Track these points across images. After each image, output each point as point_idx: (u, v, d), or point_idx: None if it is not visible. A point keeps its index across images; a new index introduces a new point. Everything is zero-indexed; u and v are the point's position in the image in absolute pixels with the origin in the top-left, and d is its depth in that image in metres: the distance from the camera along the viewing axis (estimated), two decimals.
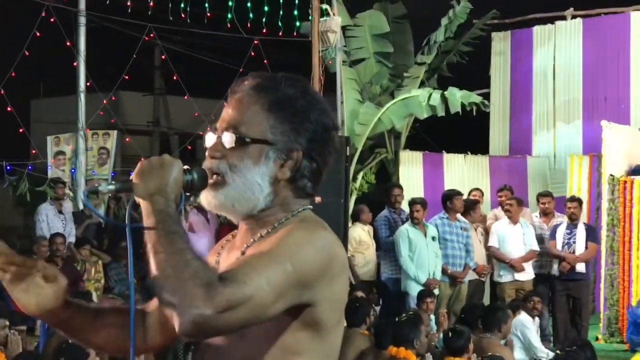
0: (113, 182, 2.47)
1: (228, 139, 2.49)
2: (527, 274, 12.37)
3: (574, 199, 12.83)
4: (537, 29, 17.56)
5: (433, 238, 12.01)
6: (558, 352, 7.13)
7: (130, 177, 2.42)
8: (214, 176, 2.50)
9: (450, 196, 12.47)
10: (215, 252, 2.71)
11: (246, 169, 2.48)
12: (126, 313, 2.63)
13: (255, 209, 2.51)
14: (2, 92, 15.04)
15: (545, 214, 12.96)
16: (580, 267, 12.36)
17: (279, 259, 2.33)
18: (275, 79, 2.56)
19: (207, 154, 2.54)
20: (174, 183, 2.39)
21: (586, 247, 12.35)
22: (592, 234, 12.59)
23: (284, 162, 2.51)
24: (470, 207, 12.73)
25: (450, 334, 7.98)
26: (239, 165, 2.48)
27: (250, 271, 2.29)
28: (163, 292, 2.25)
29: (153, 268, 2.28)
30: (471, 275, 12.48)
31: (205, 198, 2.53)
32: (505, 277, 12.41)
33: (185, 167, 2.45)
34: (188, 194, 2.48)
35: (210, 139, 2.55)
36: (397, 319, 7.88)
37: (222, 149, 2.50)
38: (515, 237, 12.34)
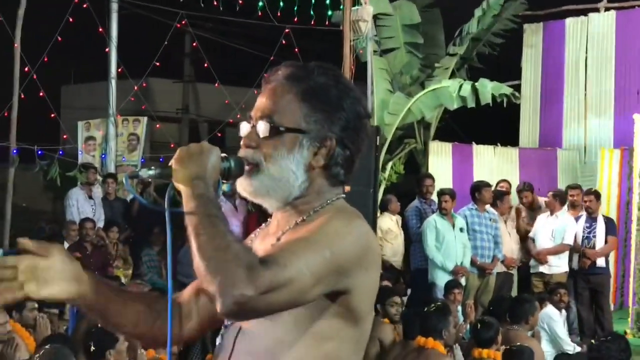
0: (153, 167, 2.51)
1: (262, 128, 2.54)
2: (556, 267, 12.32)
3: (589, 192, 12.77)
4: (569, 21, 17.44)
5: (461, 229, 12.00)
6: (592, 342, 7.12)
7: (170, 163, 2.46)
8: (249, 165, 2.54)
9: (479, 187, 12.45)
10: (247, 240, 2.74)
11: (281, 158, 2.53)
12: (158, 301, 2.70)
13: (290, 196, 2.57)
14: (35, 77, 15.13)
15: (574, 206, 12.90)
16: (601, 262, 12.35)
17: (318, 245, 2.38)
18: (308, 68, 2.60)
19: (242, 143, 2.58)
20: (212, 169, 2.44)
21: (606, 241, 12.30)
22: (612, 227, 12.55)
23: (318, 150, 2.55)
24: (498, 198, 12.71)
25: (479, 325, 7.96)
26: (274, 154, 2.53)
27: (291, 255, 2.34)
28: (205, 274, 2.28)
29: (194, 250, 2.31)
30: (499, 268, 12.46)
31: (241, 185, 2.57)
32: (535, 268, 12.41)
33: (223, 154, 2.50)
34: (225, 181, 2.53)
35: (244, 129, 2.59)
36: (425, 310, 7.88)
37: (257, 138, 2.55)
38: (549, 230, 12.32)
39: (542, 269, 12.32)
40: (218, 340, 2.65)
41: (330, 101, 2.56)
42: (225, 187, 2.54)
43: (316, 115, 2.55)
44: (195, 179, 2.41)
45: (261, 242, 2.65)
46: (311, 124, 2.54)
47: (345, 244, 2.41)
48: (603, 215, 12.76)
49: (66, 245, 12.46)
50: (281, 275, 2.29)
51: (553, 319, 10.50)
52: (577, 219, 12.53)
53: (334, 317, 2.47)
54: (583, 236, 12.34)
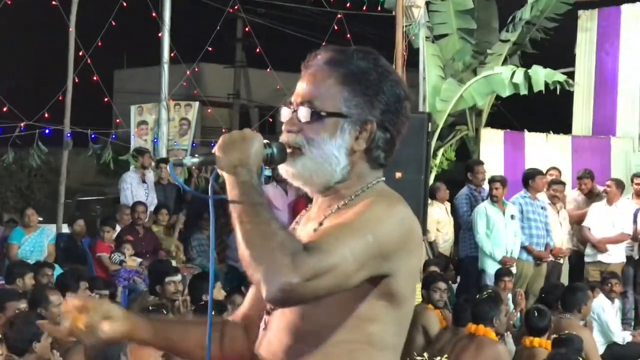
0: (197, 155, 2.55)
1: (304, 113, 2.56)
2: (615, 256, 12.22)
3: None
4: (625, 7, 17.20)
5: (512, 216, 11.92)
6: None
7: (213, 151, 2.49)
8: (291, 148, 2.56)
9: (532, 175, 12.37)
10: (291, 226, 2.77)
11: (323, 142, 2.55)
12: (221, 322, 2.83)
13: (332, 180, 2.59)
14: (89, 61, 15.26)
15: (639, 195, 12.77)
16: None
17: (361, 230, 2.39)
18: (347, 53, 2.61)
19: (283, 128, 2.61)
20: (255, 156, 2.47)
21: None
22: None
23: (359, 133, 2.57)
24: (551, 185, 12.63)
25: (535, 314, 7.92)
26: (316, 138, 2.55)
27: (335, 241, 2.35)
28: (250, 261, 2.31)
29: (239, 238, 2.35)
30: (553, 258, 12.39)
31: (284, 168, 2.60)
32: (591, 257, 12.32)
33: (266, 141, 2.53)
34: (267, 167, 2.56)
35: (285, 114, 2.62)
36: (477, 296, 7.86)
37: (299, 123, 2.57)
38: (608, 219, 12.21)
39: (602, 257, 12.21)
40: (261, 326, 2.67)
41: (370, 85, 2.57)
42: (267, 172, 2.56)
43: (357, 99, 2.56)
44: (238, 166, 2.44)
45: (303, 227, 2.68)
46: (352, 108, 2.55)
47: (388, 228, 2.43)
48: None
49: (118, 228, 12.58)
50: (325, 261, 2.31)
51: (604, 309, 10.40)
52: (638, 209, 12.41)
53: (377, 300, 2.49)
54: None
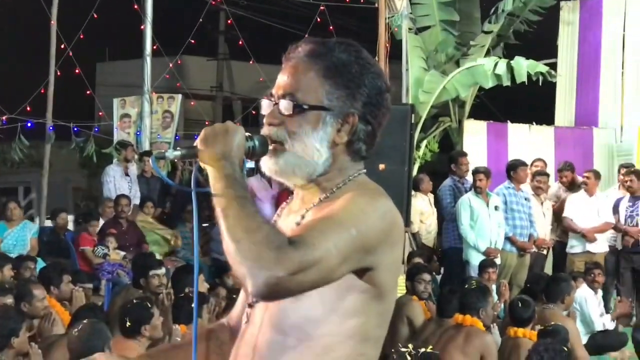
0: (179, 148, 2.54)
1: (286, 106, 2.54)
2: (600, 246, 12.28)
3: (630, 171, 12.67)
4: None
5: (496, 207, 11.94)
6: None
7: (195, 144, 2.48)
8: (273, 144, 2.55)
9: (515, 166, 12.39)
10: (273, 219, 2.76)
11: (305, 135, 2.54)
12: (208, 340, 2.84)
13: (314, 173, 2.58)
14: (71, 54, 15.20)
15: (624, 185, 12.80)
16: None
17: (344, 224, 2.39)
18: (329, 45, 2.60)
19: (264, 121, 2.59)
20: (237, 149, 2.46)
21: None
22: None
23: (341, 126, 2.56)
24: (535, 177, 12.66)
25: (519, 304, 7.94)
26: (298, 131, 2.54)
27: (319, 235, 2.35)
28: (235, 255, 2.30)
29: (223, 231, 2.33)
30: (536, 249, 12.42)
31: (266, 164, 2.59)
32: (576, 248, 12.35)
33: (247, 134, 2.51)
34: (250, 160, 2.55)
35: (266, 106, 2.61)
36: (466, 286, 7.88)
37: (280, 116, 2.56)
38: (591, 209, 12.25)
39: (589, 247, 12.24)
40: (243, 319, 2.67)
41: (352, 77, 2.56)
42: (250, 164, 2.56)
43: (338, 92, 2.55)
44: (221, 159, 2.43)
45: (285, 220, 2.67)
46: (334, 101, 2.55)
47: (371, 221, 2.43)
48: None
49: (102, 221, 12.55)
50: (310, 255, 2.30)
51: (587, 300, 10.42)
52: (619, 199, 12.47)
53: (360, 292, 2.49)
54: (626, 215, 12.28)
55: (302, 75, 2.56)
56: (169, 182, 2.94)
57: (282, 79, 2.60)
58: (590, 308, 10.37)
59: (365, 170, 2.65)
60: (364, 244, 2.41)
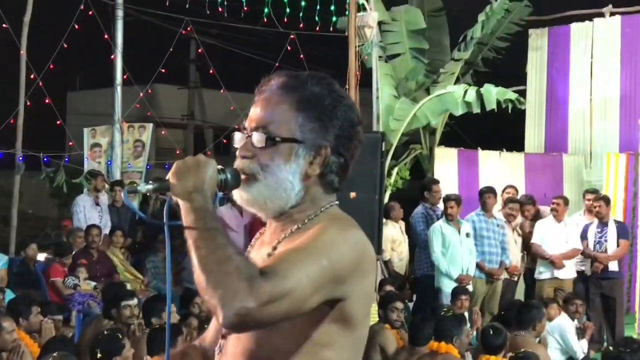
0: (151, 181, 2.54)
1: (258, 139, 2.56)
2: (568, 272, 12.31)
3: (599, 197, 12.74)
4: (575, 26, 17.44)
5: (467, 235, 11.98)
6: (611, 348, 7.06)
7: (167, 177, 2.48)
8: (246, 175, 2.56)
9: (481, 194, 12.48)
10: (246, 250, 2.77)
11: (277, 168, 2.55)
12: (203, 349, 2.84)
13: (286, 205, 2.59)
14: (41, 84, 15.15)
15: (590, 211, 12.88)
16: (613, 266, 12.32)
17: (315, 254, 2.40)
18: (301, 78, 2.62)
19: (237, 153, 2.60)
20: (209, 181, 2.46)
21: (618, 245, 12.29)
22: (623, 231, 12.54)
23: (313, 159, 2.58)
24: (506, 204, 12.70)
25: (490, 332, 7.94)
26: (270, 164, 2.55)
27: (290, 266, 2.35)
28: (206, 287, 2.30)
29: (195, 264, 2.34)
30: (504, 274, 12.44)
31: (238, 195, 2.60)
32: (544, 274, 12.37)
33: (219, 167, 2.52)
34: (222, 192, 2.55)
35: (239, 139, 2.62)
36: (441, 314, 7.88)
37: (253, 149, 2.57)
38: (559, 235, 12.29)
39: (558, 274, 12.27)
40: (216, 350, 2.67)
41: (324, 110, 2.58)
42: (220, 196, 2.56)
43: (311, 124, 2.56)
44: (192, 192, 2.43)
45: (257, 252, 2.68)
46: (306, 134, 2.56)
47: (342, 252, 2.44)
48: (614, 220, 12.73)
49: (73, 251, 12.47)
50: (281, 286, 2.31)
51: (567, 329, 10.39)
52: (587, 225, 12.52)
53: (331, 323, 2.49)
54: (595, 241, 12.33)
55: (274, 108, 2.57)
56: (142, 216, 2.93)
57: (255, 111, 2.61)
58: (571, 338, 10.35)
59: (337, 202, 2.67)
60: (335, 274, 2.41)
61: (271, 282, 2.29)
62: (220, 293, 2.28)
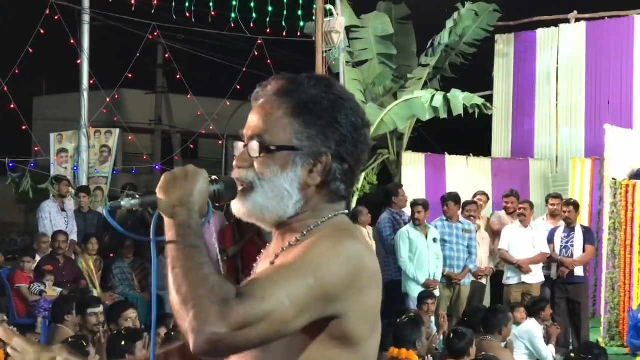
0: (137, 196, 2.43)
1: (254, 148, 2.43)
2: (535, 277, 12.35)
3: (569, 202, 12.81)
4: (540, 32, 17.57)
5: (434, 240, 12.01)
6: (572, 354, 7.08)
7: (155, 191, 2.38)
8: (242, 184, 2.45)
9: (443, 200, 12.55)
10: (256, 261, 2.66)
11: (274, 177, 2.43)
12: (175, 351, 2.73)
13: (285, 216, 2.46)
14: (6, 89, 15.04)
15: (554, 216, 12.95)
16: (579, 271, 12.37)
17: (301, 272, 2.25)
18: (298, 81, 2.49)
19: (234, 164, 2.50)
20: (198, 194, 2.34)
21: (584, 250, 12.36)
22: (589, 236, 12.60)
23: (313, 167, 2.44)
24: (464, 207, 12.77)
25: (452, 335, 7.97)
26: (267, 173, 2.43)
27: (270, 285, 2.21)
28: (178, 309, 2.19)
29: (170, 284, 2.22)
30: (470, 277, 12.49)
31: (235, 206, 2.48)
32: (512, 279, 12.40)
33: (213, 177, 2.42)
34: (217, 204, 2.45)
35: (238, 148, 2.50)
36: (398, 320, 7.88)
37: (249, 158, 2.45)
38: (526, 240, 12.34)
39: (525, 279, 12.30)
40: None
41: (323, 115, 2.44)
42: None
43: (309, 130, 2.43)
44: (177, 206, 2.31)
45: (262, 264, 2.55)
46: (304, 141, 2.43)
47: (332, 268, 2.28)
48: (581, 225, 12.81)
49: (38, 258, 12.39)
50: (258, 308, 2.16)
51: (535, 334, 10.41)
52: (554, 229, 12.58)
53: (327, 343, 2.34)
54: (561, 246, 12.39)
55: (269, 115, 2.45)
56: (125, 234, 2.73)
57: (252, 119, 2.49)
58: (540, 344, 10.37)
59: (346, 211, 2.52)
60: (325, 292, 2.25)
61: (247, 304, 2.15)
62: (191, 317, 2.15)
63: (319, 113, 2.44)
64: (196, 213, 2.31)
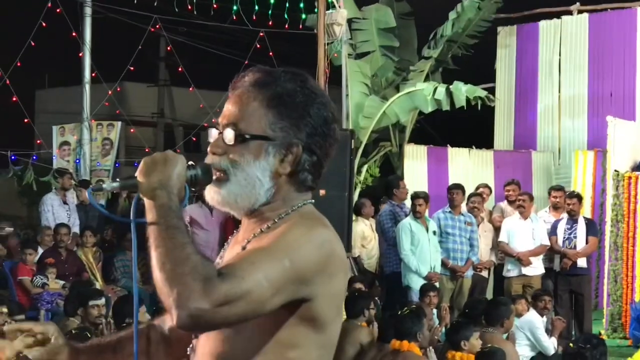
0: (118, 179, 2.52)
1: (228, 136, 2.54)
2: (536, 269, 12.35)
3: (573, 194, 12.81)
4: (543, 24, 17.52)
5: (434, 232, 12.02)
6: (571, 344, 7.10)
7: (135, 174, 2.46)
8: (217, 173, 2.55)
9: (448, 190, 12.53)
10: (223, 247, 2.76)
11: (247, 165, 2.54)
12: (146, 338, 2.81)
13: (256, 203, 2.57)
14: (8, 82, 15.05)
15: (556, 208, 12.94)
16: (582, 262, 12.37)
17: (277, 255, 2.38)
18: (274, 74, 2.60)
19: (208, 150, 2.59)
20: (177, 178, 2.45)
21: (587, 242, 12.35)
22: (592, 228, 12.60)
23: (284, 156, 2.55)
24: (469, 199, 12.77)
25: (452, 328, 7.98)
26: (240, 161, 2.54)
27: (249, 266, 2.34)
28: (162, 286, 2.30)
29: (153, 262, 2.33)
30: (472, 270, 12.49)
31: (209, 194, 2.58)
32: (512, 271, 12.41)
33: (190, 162, 2.51)
34: (193, 188, 2.53)
35: (213, 135, 2.60)
36: (399, 312, 7.89)
37: (223, 145, 2.56)
38: (526, 232, 12.33)
39: (525, 271, 12.31)
40: (189, 351, 2.66)
41: (296, 107, 2.56)
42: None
43: (282, 122, 2.55)
44: (157, 188, 2.41)
45: (230, 251, 2.66)
46: (277, 131, 2.54)
47: (306, 252, 2.42)
48: (584, 217, 12.80)
49: (40, 250, 12.39)
50: (238, 287, 2.29)
51: (536, 325, 10.42)
52: (557, 221, 12.57)
53: (298, 324, 2.47)
54: (564, 237, 12.38)
55: (245, 105, 2.56)
56: (105, 214, 2.88)
57: (227, 108, 2.60)
58: (541, 335, 10.39)
59: (312, 200, 2.64)
60: (298, 275, 2.39)
61: (227, 283, 2.28)
62: (175, 293, 2.26)
63: (292, 106, 2.56)
64: (175, 196, 2.43)
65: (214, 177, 2.54)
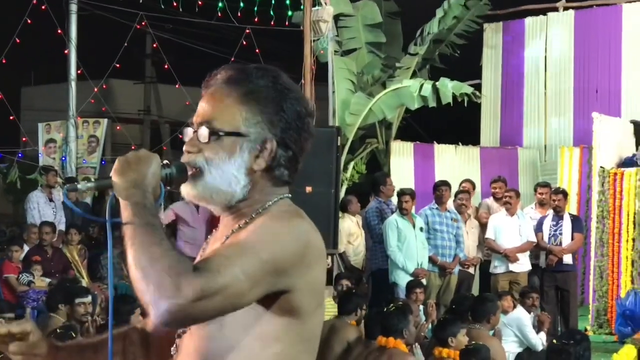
0: (93, 179, 2.54)
1: (203, 134, 2.56)
2: (523, 265, 12.37)
3: (558, 191, 12.84)
4: (529, 20, 17.56)
5: (421, 229, 12.03)
6: (554, 341, 7.13)
7: (111, 174, 2.48)
8: (192, 169, 2.56)
9: (435, 187, 12.54)
10: (203, 246, 2.78)
11: (222, 162, 2.55)
12: (124, 340, 2.79)
13: (232, 200, 2.59)
14: None
15: (542, 204, 12.97)
16: (568, 259, 12.39)
17: (254, 248, 2.40)
18: (247, 71, 2.62)
19: (184, 148, 2.61)
20: (151, 176, 2.46)
21: (572, 239, 12.38)
22: (578, 224, 12.62)
23: (259, 152, 2.57)
24: (456, 196, 12.79)
25: (439, 324, 7.99)
26: (215, 158, 2.55)
27: (225, 261, 2.36)
28: (139, 283, 2.31)
29: (130, 260, 2.34)
30: (460, 266, 12.52)
31: (185, 189, 2.60)
32: (499, 268, 12.42)
33: (165, 161, 2.53)
34: (168, 187, 2.55)
35: (188, 134, 2.62)
36: (385, 309, 7.89)
37: (198, 144, 2.57)
38: (512, 229, 12.35)
39: (512, 267, 12.33)
40: (172, 350, 2.67)
41: (268, 103, 2.57)
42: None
43: (256, 118, 2.56)
44: (131, 187, 2.43)
45: (211, 247, 2.67)
46: (251, 127, 2.56)
47: (283, 244, 2.44)
48: (569, 213, 12.83)
49: (26, 248, 12.35)
50: (214, 281, 2.30)
51: (524, 323, 10.43)
52: (543, 218, 12.60)
53: (277, 316, 2.49)
54: (550, 234, 12.40)
55: (219, 102, 2.57)
56: (79, 213, 2.91)
57: (201, 106, 2.61)
58: (529, 332, 10.40)
59: (289, 195, 2.65)
60: (276, 267, 2.40)
61: (203, 277, 2.29)
62: (151, 290, 2.28)
63: (265, 102, 2.58)
64: (150, 194, 2.44)
65: (190, 173, 2.55)
